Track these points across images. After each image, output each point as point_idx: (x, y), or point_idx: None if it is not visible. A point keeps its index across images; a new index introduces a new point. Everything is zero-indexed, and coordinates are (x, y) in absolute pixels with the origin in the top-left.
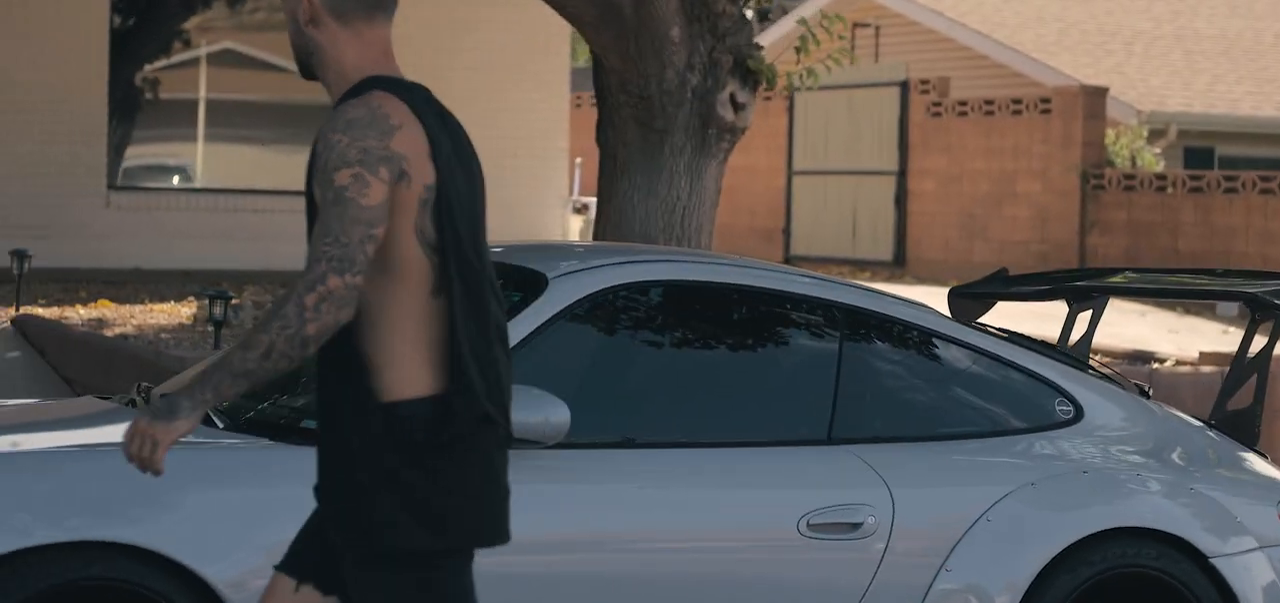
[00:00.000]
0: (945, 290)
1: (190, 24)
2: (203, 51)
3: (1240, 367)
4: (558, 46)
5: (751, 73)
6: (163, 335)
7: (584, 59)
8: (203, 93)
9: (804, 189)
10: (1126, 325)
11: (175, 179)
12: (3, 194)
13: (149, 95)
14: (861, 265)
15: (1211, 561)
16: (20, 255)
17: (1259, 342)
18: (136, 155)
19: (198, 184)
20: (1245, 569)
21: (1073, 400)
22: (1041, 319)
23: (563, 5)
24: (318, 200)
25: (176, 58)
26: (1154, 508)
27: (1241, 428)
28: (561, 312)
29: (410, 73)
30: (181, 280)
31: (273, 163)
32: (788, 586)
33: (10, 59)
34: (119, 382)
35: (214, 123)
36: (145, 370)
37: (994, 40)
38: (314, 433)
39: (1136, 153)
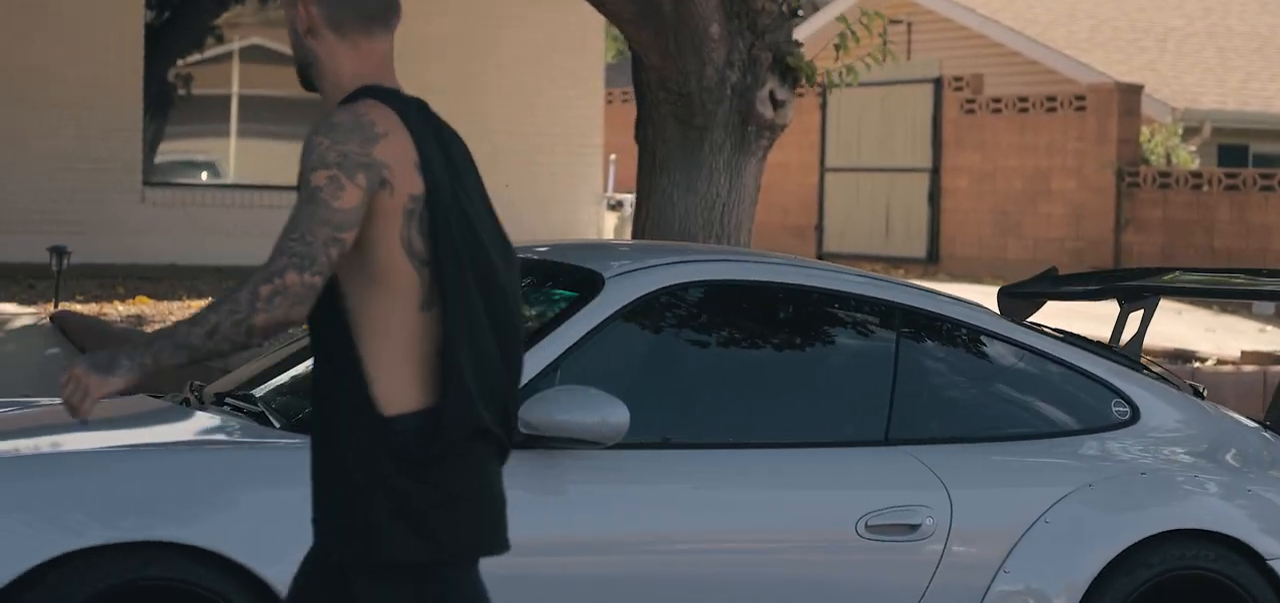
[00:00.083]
0: (980, 288)
1: (222, 20)
2: (235, 47)
3: None
4: (592, 43)
5: (791, 70)
6: None
7: (614, 55)
8: (235, 89)
9: (837, 186)
10: (1163, 324)
11: (204, 174)
12: (39, 190)
13: (182, 91)
14: (895, 262)
15: (1269, 562)
16: (59, 251)
17: None
18: (170, 151)
19: (231, 180)
20: None
21: (1129, 402)
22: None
23: (602, 2)
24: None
25: (209, 53)
26: (1212, 510)
27: None
28: (618, 311)
29: (446, 70)
30: (216, 276)
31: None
32: (845, 588)
33: (46, 55)
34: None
35: (246, 119)
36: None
37: (1026, 37)
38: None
39: (1171, 150)
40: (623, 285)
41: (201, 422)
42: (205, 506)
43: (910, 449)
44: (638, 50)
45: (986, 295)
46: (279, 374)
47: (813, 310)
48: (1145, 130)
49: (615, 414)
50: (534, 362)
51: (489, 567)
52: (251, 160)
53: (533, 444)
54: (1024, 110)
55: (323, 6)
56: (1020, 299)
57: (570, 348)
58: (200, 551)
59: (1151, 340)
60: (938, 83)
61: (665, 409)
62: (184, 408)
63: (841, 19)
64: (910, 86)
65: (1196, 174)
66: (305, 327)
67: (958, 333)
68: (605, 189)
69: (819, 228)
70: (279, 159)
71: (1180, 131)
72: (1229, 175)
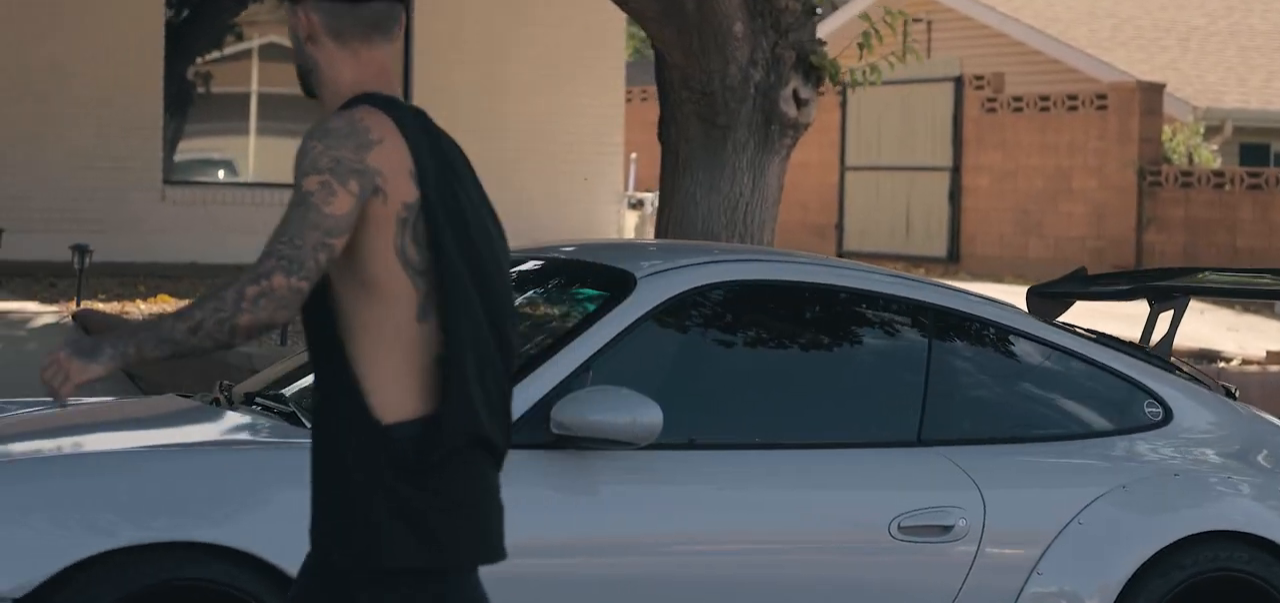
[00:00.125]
0: (1001, 287)
1: (241, 18)
2: (254, 45)
3: None
4: (613, 41)
5: (814, 69)
6: None
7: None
8: (254, 86)
9: (857, 185)
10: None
11: (220, 173)
12: (60, 189)
13: (201, 89)
14: (915, 261)
15: None
16: (81, 250)
17: None
18: (190, 150)
19: (250, 178)
20: None
21: (1161, 402)
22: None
23: (625, 1)
24: None
25: (228, 51)
26: (1246, 512)
27: None
28: (650, 311)
29: (467, 70)
30: (236, 275)
31: None
32: (878, 589)
33: (66, 53)
34: (183, 378)
35: (265, 117)
36: (211, 365)
37: (1048, 35)
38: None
39: (1193, 149)
40: (655, 285)
41: (232, 422)
42: (238, 506)
43: (943, 450)
44: (661, 49)
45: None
46: (309, 374)
47: (844, 310)
48: (1167, 129)
49: (648, 415)
50: (566, 362)
51: (519, 568)
52: (270, 158)
53: (564, 445)
54: (1045, 109)
55: (323, 14)
56: (1049, 299)
57: (602, 348)
58: (233, 551)
59: (1175, 341)
60: (958, 81)
61: (697, 410)
62: (214, 408)
63: (865, 18)
64: (931, 85)
65: (1219, 173)
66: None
67: (990, 333)
68: (626, 188)
69: (839, 227)
70: None
71: (1202, 131)
72: (1252, 174)
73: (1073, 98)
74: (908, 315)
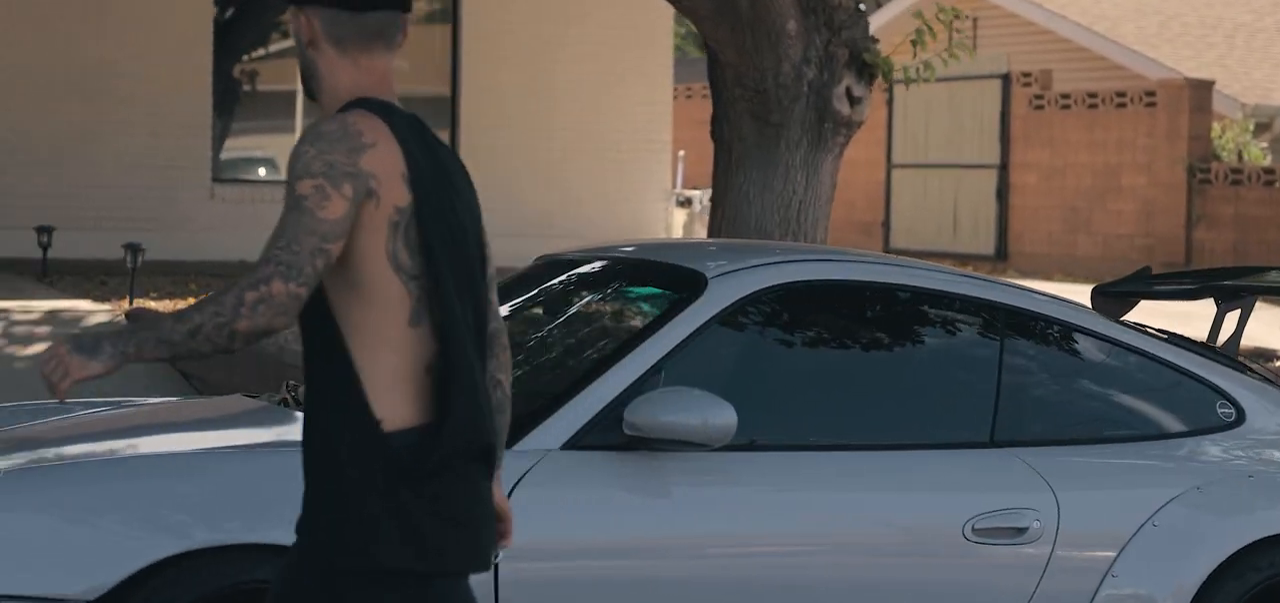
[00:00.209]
0: (1051, 285)
1: (287, 15)
2: None
3: None
4: (661, 38)
5: (867, 66)
6: None
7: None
8: (301, 84)
9: (903, 182)
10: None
11: (261, 170)
12: (110, 187)
13: (248, 88)
14: (962, 259)
15: None
16: (133, 249)
17: None
18: (238, 148)
19: None
20: None
21: (1234, 403)
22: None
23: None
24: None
25: (274, 49)
26: None
27: None
28: (721, 312)
29: (514, 68)
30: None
31: None
32: (953, 591)
33: (116, 53)
34: (239, 377)
35: (312, 114)
36: (266, 364)
37: (1094, 33)
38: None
39: (1243, 147)
40: (726, 286)
41: (301, 422)
42: None
43: (1016, 451)
44: (714, 47)
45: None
46: None
47: (916, 311)
48: (1216, 126)
49: (722, 416)
50: (638, 363)
51: (591, 570)
52: None
53: (637, 446)
54: (1093, 106)
55: (324, 20)
56: (1113, 298)
57: (674, 349)
58: None
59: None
60: (1005, 78)
61: (769, 411)
62: (282, 409)
63: (918, 16)
64: (977, 82)
65: (1269, 171)
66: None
67: (1062, 333)
68: (674, 186)
69: (885, 225)
70: None
71: (1251, 127)
72: None
73: (1121, 95)
74: (979, 315)
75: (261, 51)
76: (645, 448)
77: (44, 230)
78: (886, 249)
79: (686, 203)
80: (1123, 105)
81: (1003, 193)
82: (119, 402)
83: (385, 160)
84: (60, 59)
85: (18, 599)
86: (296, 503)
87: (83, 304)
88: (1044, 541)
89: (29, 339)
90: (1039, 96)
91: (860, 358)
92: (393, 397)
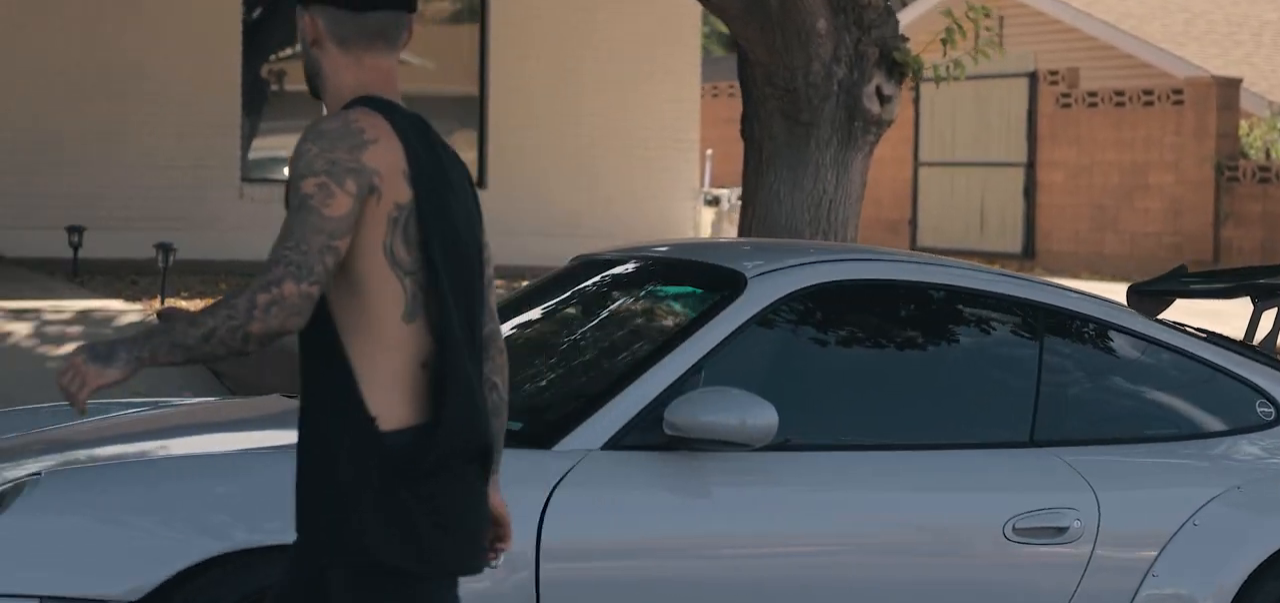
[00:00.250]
0: (1078, 283)
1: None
2: None
3: None
4: (689, 37)
5: (897, 65)
6: None
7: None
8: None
9: (930, 180)
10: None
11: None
12: (139, 187)
13: (277, 87)
14: (989, 257)
15: None
16: (165, 248)
17: None
18: (266, 147)
19: None
20: None
21: (1273, 401)
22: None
23: None
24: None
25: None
26: None
27: None
28: (760, 312)
29: (542, 65)
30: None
31: None
32: (993, 590)
33: (145, 52)
34: (273, 376)
35: None
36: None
37: (1121, 30)
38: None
39: (1271, 144)
40: (765, 285)
41: None
42: None
43: (1056, 451)
44: (744, 46)
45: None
46: None
47: (956, 310)
48: (1243, 124)
49: (763, 416)
50: (678, 363)
51: (633, 570)
52: None
53: (677, 446)
54: (1120, 104)
55: (327, 19)
56: (1150, 297)
57: (714, 349)
58: None
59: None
60: (1032, 77)
61: (808, 411)
62: None
63: (948, 14)
64: (1004, 80)
65: None
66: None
67: (1102, 332)
68: (701, 184)
69: (912, 222)
70: None
71: (1279, 125)
72: None
73: (1148, 93)
74: (1018, 314)
75: (290, 51)
76: (686, 448)
77: (75, 230)
78: (913, 247)
79: (714, 202)
80: (1150, 103)
81: (1030, 191)
82: (156, 402)
83: (387, 156)
84: (90, 59)
85: (60, 600)
86: None
87: (114, 304)
88: (1084, 540)
89: (61, 339)
90: (1066, 95)
91: (900, 357)
92: (389, 395)
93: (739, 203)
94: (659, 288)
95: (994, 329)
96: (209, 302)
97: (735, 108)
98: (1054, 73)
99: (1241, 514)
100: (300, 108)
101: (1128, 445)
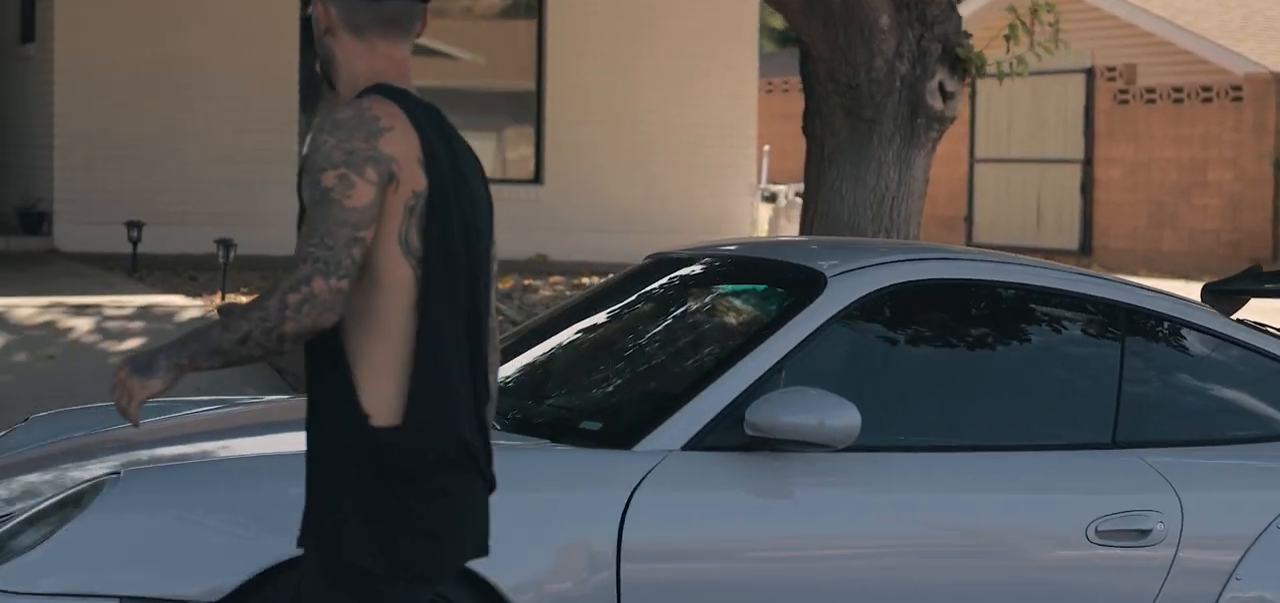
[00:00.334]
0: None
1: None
2: None
3: None
4: (746, 32)
5: (960, 61)
6: None
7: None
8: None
9: (986, 177)
10: None
11: None
12: (196, 182)
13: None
14: (1046, 253)
15: None
16: (226, 244)
17: None
18: None
19: None
20: None
21: None
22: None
23: None
24: (305, 201)
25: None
26: None
27: None
28: (840, 311)
29: (598, 62)
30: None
31: None
32: (1075, 593)
33: (203, 48)
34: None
35: None
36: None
37: (1178, 26)
38: (592, 434)
39: None
40: (845, 284)
41: None
42: None
43: (1138, 452)
44: (806, 42)
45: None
46: None
47: (1036, 310)
48: None
49: (844, 416)
50: (758, 363)
51: (716, 571)
52: None
53: (758, 447)
54: (1178, 101)
55: (340, 7)
56: (1223, 296)
57: (794, 348)
58: None
59: None
60: (1089, 73)
61: (889, 411)
62: None
63: (1011, 10)
64: (1061, 76)
65: None
66: None
67: (1183, 332)
68: (758, 180)
69: (968, 219)
70: None
71: None
72: None
73: (1207, 89)
74: (1100, 314)
75: None
76: (767, 449)
77: (134, 225)
78: (969, 244)
79: (772, 198)
80: (1208, 100)
81: (1087, 188)
82: (223, 401)
83: (403, 144)
84: (148, 55)
85: (138, 600)
86: None
87: (175, 300)
88: (1167, 543)
89: (123, 335)
90: (1124, 91)
91: (980, 358)
92: (386, 391)
93: (796, 199)
94: (735, 287)
95: (1075, 329)
96: None
97: (790, 103)
98: (1111, 69)
99: None
100: None
101: (1210, 447)
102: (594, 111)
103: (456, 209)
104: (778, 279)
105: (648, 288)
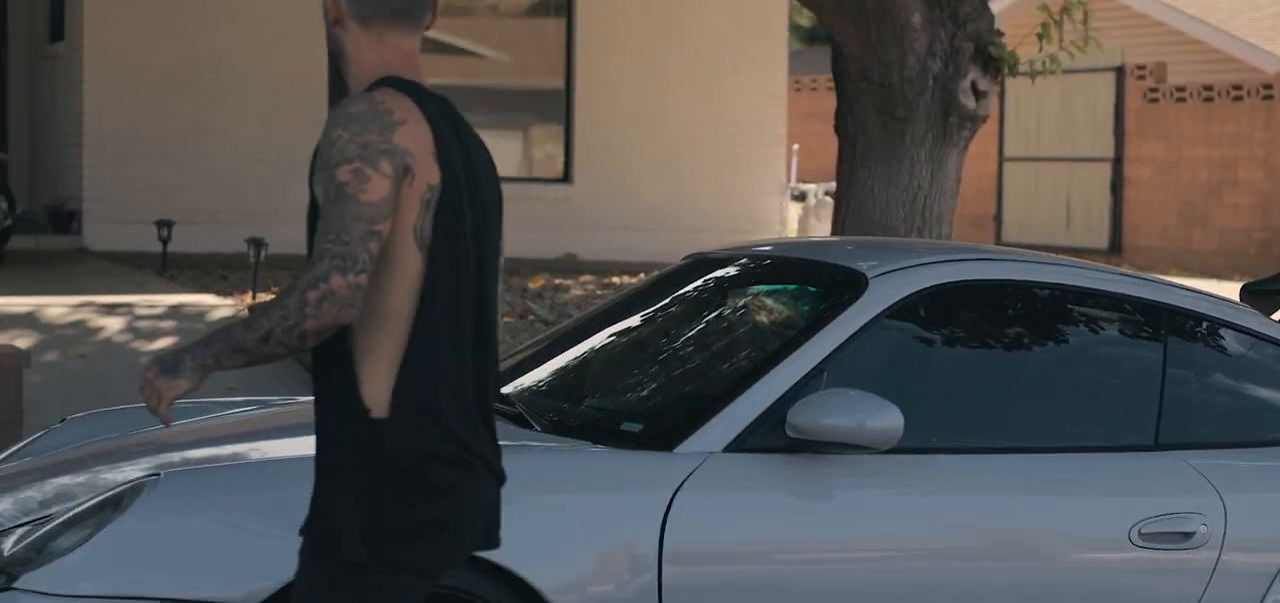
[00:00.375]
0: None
1: None
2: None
3: None
4: (775, 30)
5: (993, 60)
6: None
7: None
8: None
9: (1015, 175)
10: None
11: None
12: (225, 180)
13: None
14: (1075, 253)
15: None
16: (257, 243)
17: None
18: None
19: None
20: None
21: None
22: None
23: None
24: (319, 197)
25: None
26: None
27: None
28: (882, 313)
29: (627, 60)
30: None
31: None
32: (1117, 596)
33: (231, 46)
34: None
35: None
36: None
37: (1209, 25)
38: (632, 436)
39: None
40: (887, 285)
41: None
42: None
43: (1181, 454)
44: (838, 41)
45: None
46: (527, 373)
47: (1078, 311)
48: None
49: (887, 418)
50: (799, 364)
51: (758, 574)
52: None
53: (800, 448)
54: (1209, 99)
55: None
56: (1263, 296)
57: (836, 350)
58: (474, 559)
59: None
60: (1119, 71)
61: (930, 413)
62: None
63: (1043, 8)
64: (1091, 75)
65: None
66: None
67: (1226, 334)
68: (788, 179)
69: (997, 218)
70: None
71: None
72: None
73: (1238, 88)
74: (1142, 315)
75: None
76: (809, 451)
77: (163, 224)
78: (998, 242)
79: (801, 197)
80: (1239, 98)
81: (1117, 186)
82: (260, 402)
83: (416, 137)
84: (174, 51)
85: None
86: None
87: (206, 299)
88: (1211, 546)
89: (154, 334)
90: (1154, 89)
91: (1022, 358)
92: (384, 381)
93: (825, 198)
94: (774, 287)
95: (1117, 330)
96: None
97: (818, 101)
98: (1141, 67)
99: None
100: None
101: (1253, 448)
102: (623, 110)
103: (467, 203)
104: (818, 280)
105: (686, 288)
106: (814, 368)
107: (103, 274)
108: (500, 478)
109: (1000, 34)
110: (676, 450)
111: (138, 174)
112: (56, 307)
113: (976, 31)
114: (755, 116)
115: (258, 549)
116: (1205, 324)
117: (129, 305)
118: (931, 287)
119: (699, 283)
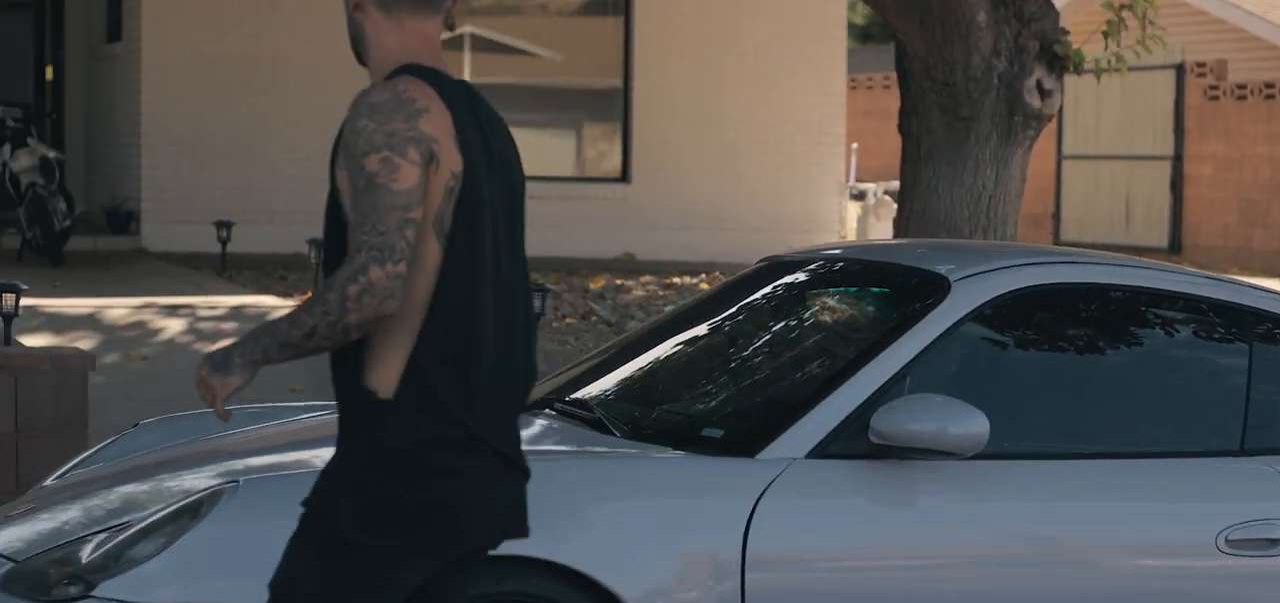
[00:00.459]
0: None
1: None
2: (465, 34)
3: None
4: (834, 29)
5: (1058, 58)
6: None
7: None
8: (466, 76)
9: (1074, 174)
10: None
11: None
12: (283, 181)
13: None
14: (1135, 251)
15: None
16: (317, 243)
17: None
18: None
19: None
20: None
21: None
22: None
23: None
24: (343, 188)
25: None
26: None
27: None
28: (965, 316)
29: (685, 61)
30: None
31: (538, 147)
32: None
33: (287, 47)
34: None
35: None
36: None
37: (1269, 22)
38: (713, 442)
39: None
40: (969, 289)
41: (538, 429)
42: (561, 519)
43: (1267, 459)
44: (902, 40)
45: None
46: (603, 376)
47: (1162, 315)
48: None
49: (972, 424)
50: (882, 369)
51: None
52: None
53: (883, 454)
54: (1270, 97)
55: None
56: None
57: (918, 354)
58: (555, 566)
59: None
60: (1179, 69)
61: (1014, 418)
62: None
63: (1108, 5)
64: (1150, 73)
65: None
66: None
67: None
68: (847, 179)
69: (1055, 216)
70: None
71: None
72: None
73: None
74: (1225, 319)
75: None
76: (892, 457)
77: (223, 225)
78: (1056, 241)
79: (860, 196)
80: None
81: (1177, 184)
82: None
83: (440, 124)
84: (232, 53)
85: None
86: (548, 514)
87: (266, 300)
88: None
89: (215, 336)
90: (1214, 87)
91: (1106, 363)
92: (394, 366)
93: (884, 197)
94: (854, 290)
95: (1202, 334)
96: None
97: (874, 100)
98: (1201, 64)
99: None
100: None
101: None
102: (681, 111)
103: (486, 190)
104: (897, 283)
105: (762, 292)
106: (897, 373)
107: (161, 275)
108: (520, 469)
109: (1065, 32)
110: (759, 457)
111: (195, 175)
112: (117, 308)
113: (1041, 30)
114: (814, 116)
115: None
116: None
117: (190, 306)
118: (1014, 290)
119: (775, 286)
